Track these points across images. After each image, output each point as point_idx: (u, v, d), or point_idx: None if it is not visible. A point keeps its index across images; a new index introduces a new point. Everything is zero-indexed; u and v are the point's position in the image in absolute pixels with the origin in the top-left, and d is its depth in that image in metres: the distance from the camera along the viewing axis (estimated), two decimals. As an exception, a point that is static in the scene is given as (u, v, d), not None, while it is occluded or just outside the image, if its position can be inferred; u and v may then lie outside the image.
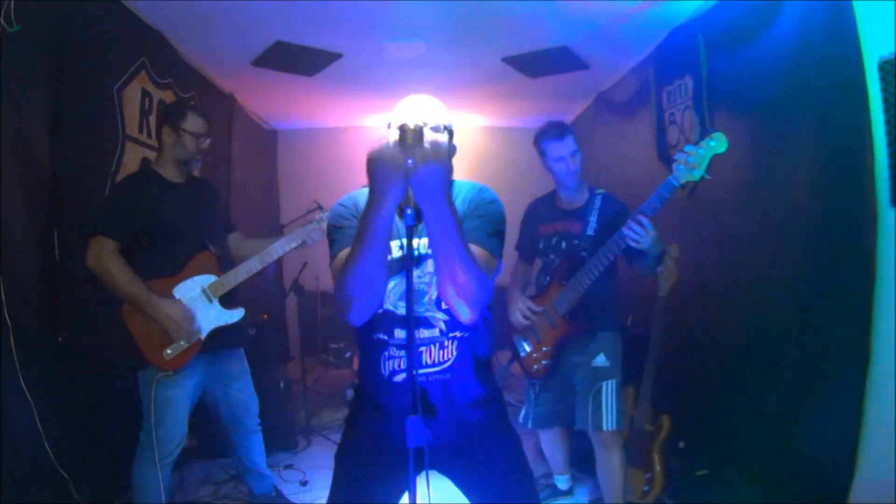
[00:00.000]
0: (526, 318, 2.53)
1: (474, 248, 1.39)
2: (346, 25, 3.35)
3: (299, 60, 3.87)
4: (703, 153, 2.07)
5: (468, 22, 3.31)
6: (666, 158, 3.40)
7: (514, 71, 4.14)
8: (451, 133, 1.53)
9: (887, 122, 1.86)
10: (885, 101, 1.86)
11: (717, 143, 2.07)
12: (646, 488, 2.57)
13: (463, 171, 1.70)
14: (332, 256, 1.49)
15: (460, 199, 1.52)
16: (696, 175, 2.09)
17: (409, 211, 1.28)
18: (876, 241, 1.89)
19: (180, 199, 2.35)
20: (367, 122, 5.85)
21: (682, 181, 2.13)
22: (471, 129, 6.13)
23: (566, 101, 5.11)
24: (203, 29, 3.27)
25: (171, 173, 2.37)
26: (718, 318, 2.78)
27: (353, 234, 1.35)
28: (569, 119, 5.53)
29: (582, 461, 2.99)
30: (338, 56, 3.82)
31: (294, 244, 2.46)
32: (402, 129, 1.40)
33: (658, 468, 2.55)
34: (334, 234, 1.51)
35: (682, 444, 2.69)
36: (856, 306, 1.93)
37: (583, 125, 5.08)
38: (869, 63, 1.91)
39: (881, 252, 1.89)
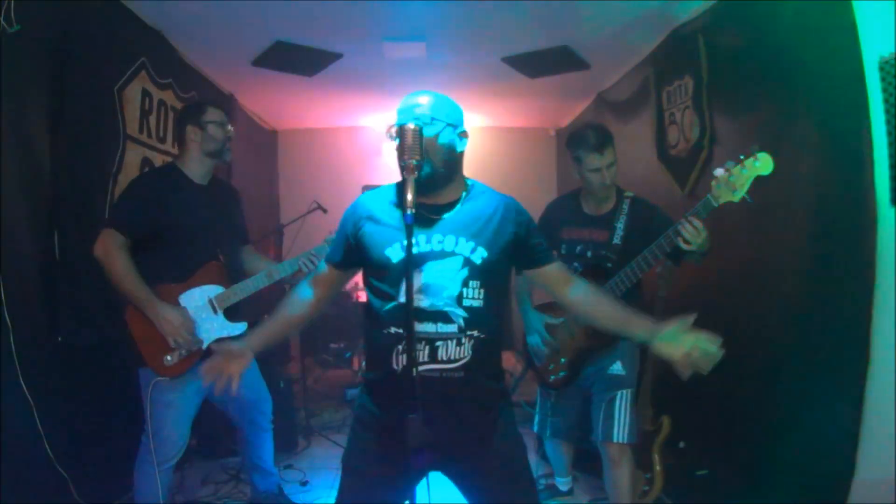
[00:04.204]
0: (546, 343, 2.44)
1: (559, 271, 1.68)
2: (346, 25, 3.35)
3: (299, 60, 3.87)
4: (746, 174, 1.90)
5: (468, 22, 3.31)
6: (666, 158, 3.41)
7: (514, 71, 4.14)
8: (450, 125, 1.56)
9: (887, 122, 1.86)
10: (886, 100, 1.86)
11: (763, 165, 1.88)
12: (646, 488, 2.57)
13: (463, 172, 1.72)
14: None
15: (499, 214, 1.62)
16: (737, 196, 1.92)
17: (409, 211, 1.31)
18: (876, 241, 1.89)
19: (200, 202, 2.31)
20: (367, 122, 5.84)
21: (722, 202, 1.97)
22: (471, 129, 6.10)
23: (566, 101, 5.11)
24: (203, 29, 3.27)
25: (196, 173, 2.33)
26: (718, 318, 2.76)
27: (336, 249, 1.65)
28: (568, 119, 5.53)
29: (583, 461, 2.99)
30: (338, 56, 3.82)
31: (295, 269, 2.46)
32: (402, 130, 1.42)
33: (658, 468, 2.55)
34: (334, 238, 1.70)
35: (682, 444, 2.69)
36: (856, 306, 1.93)
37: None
38: (869, 62, 1.91)
39: (881, 252, 1.89)
